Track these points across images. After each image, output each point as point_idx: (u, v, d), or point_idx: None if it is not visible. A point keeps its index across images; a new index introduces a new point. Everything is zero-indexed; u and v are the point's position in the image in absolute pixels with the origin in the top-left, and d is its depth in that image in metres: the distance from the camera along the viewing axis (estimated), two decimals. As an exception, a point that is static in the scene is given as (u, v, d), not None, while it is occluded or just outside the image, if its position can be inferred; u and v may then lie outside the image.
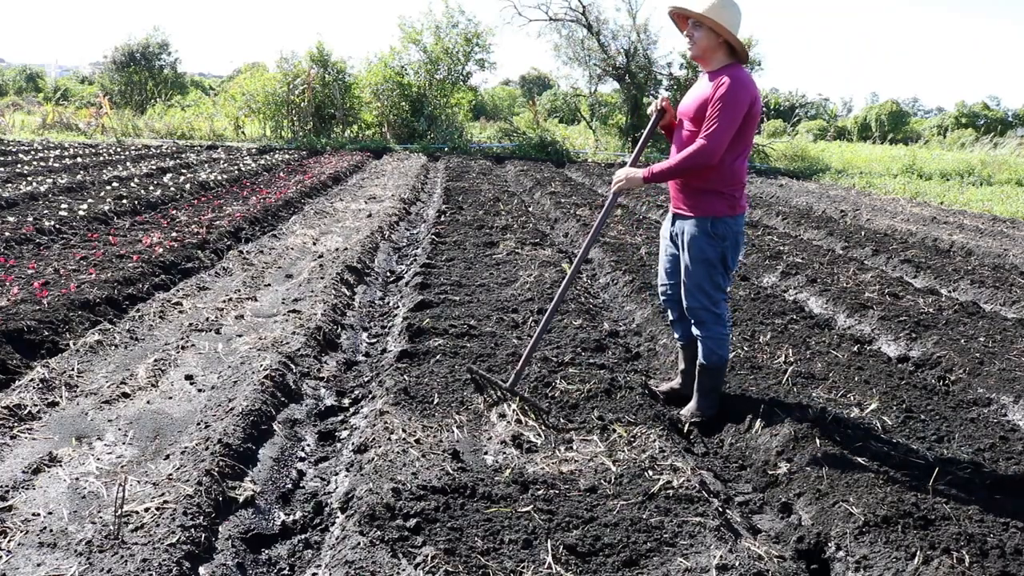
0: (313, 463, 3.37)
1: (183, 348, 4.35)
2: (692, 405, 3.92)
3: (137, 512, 2.59)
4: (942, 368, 4.72)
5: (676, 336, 4.08)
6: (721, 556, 2.48)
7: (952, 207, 15.73)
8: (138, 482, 2.84)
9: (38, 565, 2.34)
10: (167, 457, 3.07)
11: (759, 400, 3.90)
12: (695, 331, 3.78)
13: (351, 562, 2.39)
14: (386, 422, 3.38)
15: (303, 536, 2.77)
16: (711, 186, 3.53)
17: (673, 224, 3.76)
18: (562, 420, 3.57)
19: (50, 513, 2.63)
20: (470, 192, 11.98)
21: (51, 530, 2.52)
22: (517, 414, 3.52)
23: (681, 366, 4.09)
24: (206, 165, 14.72)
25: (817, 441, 3.39)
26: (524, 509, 2.73)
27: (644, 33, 25.40)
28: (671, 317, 4.03)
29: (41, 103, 31.65)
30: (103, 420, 3.39)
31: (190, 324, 4.80)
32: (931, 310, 5.94)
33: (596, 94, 27.72)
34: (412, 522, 2.59)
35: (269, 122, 23.75)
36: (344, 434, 3.63)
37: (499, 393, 3.70)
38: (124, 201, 9.14)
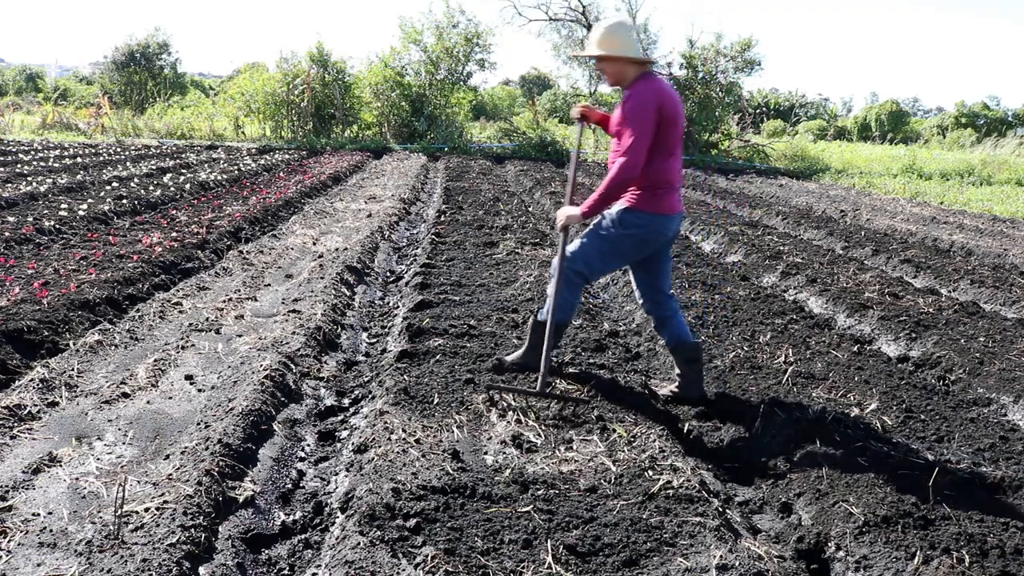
0: (313, 463, 3.37)
1: (183, 348, 4.35)
2: (519, 355, 4.09)
3: (137, 512, 2.59)
4: (942, 368, 4.72)
5: (663, 341, 4.16)
6: (721, 556, 2.48)
7: (952, 207, 15.73)
8: (138, 482, 2.84)
9: (38, 565, 2.34)
10: (167, 457, 3.07)
11: (759, 400, 3.90)
12: (550, 288, 3.88)
13: (351, 562, 2.39)
14: (386, 422, 3.38)
15: (303, 536, 2.77)
16: (634, 184, 3.68)
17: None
18: (561, 420, 3.56)
19: (50, 513, 2.63)
20: (470, 192, 11.98)
21: (51, 530, 2.52)
22: (517, 414, 3.52)
23: (676, 370, 4.10)
24: (206, 165, 14.72)
25: (817, 441, 3.39)
26: (524, 509, 2.73)
27: (644, 33, 25.44)
28: (654, 324, 4.14)
29: (41, 103, 31.66)
30: (103, 420, 3.39)
31: (190, 324, 4.80)
32: (931, 310, 5.94)
33: (596, 94, 27.73)
34: (412, 522, 2.59)
35: (269, 122, 23.75)
36: (344, 434, 3.63)
37: (529, 400, 3.66)
38: (124, 201, 9.14)
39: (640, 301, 4.08)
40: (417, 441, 3.23)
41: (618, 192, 3.64)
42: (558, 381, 3.93)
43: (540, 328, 3.93)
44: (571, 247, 3.85)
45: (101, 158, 14.78)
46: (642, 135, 3.50)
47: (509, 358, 4.11)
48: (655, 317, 4.05)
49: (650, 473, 3.03)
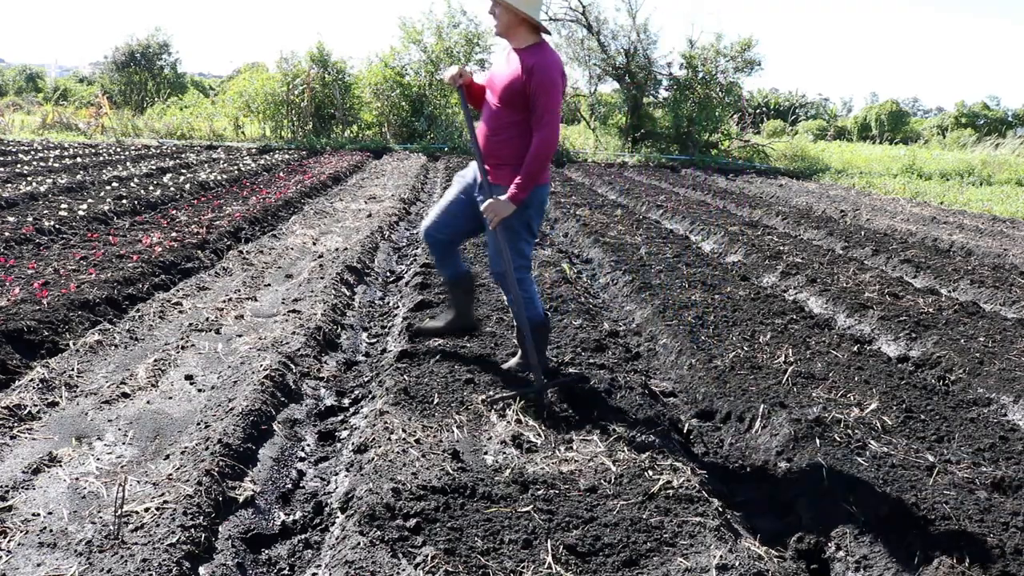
0: (313, 463, 3.37)
1: (183, 348, 4.35)
2: (516, 360, 4.06)
3: (137, 512, 2.59)
4: (942, 368, 4.72)
5: (444, 276, 4.13)
6: (721, 556, 2.48)
7: (952, 207, 15.73)
8: (138, 482, 2.84)
9: (38, 565, 2.34)
10: (167, 457, 3.07)
11: (759, 400, 3.90)
12: (505, 298, 3.89)
13: (351, 562, 2.39)
14: (386, 422, 3.38)
15: (303, 536, 2.77)
16: (519, 160, 3.58)
17: (480, 191, 3.74)
18: (562, 420, 3.56)
19: (50, 513, 2.63)
20: (470, 192, 11.97)
21: (51, 530, 2.52)
22: (517, 414, 3.52)
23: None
24: (206, 165, 14.72)
25: (817, 441, 3.39)
26: (524, 509, 2.73)
27: (644, 33, 25.40)
28: (435, 258, 4.09)
29: (41, 103, 31.65)
30: (103, 420, 3.39)
31: (190, 324, 4.80)
32: (931, 310, 5.94)
33: (596, 94, 27.71)
34: (412, 522, 2.59)
35: (269, 122, 23.75)
36: (344, 434, 3.63)
37: (532, 396, 3.64)
38: (124, 201, 9.14)
39: (439, 236, 3.94)
40: (417, 441, 3.23)
41: (543, 169, 3.56)
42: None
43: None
44: (491, 263, 3.79)
45: (101, 158, 14.77)
46: (558, 107, 3.51)
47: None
48: (443, 250, 3.98)
49: (650, 473, 3.03)
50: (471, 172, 3.86)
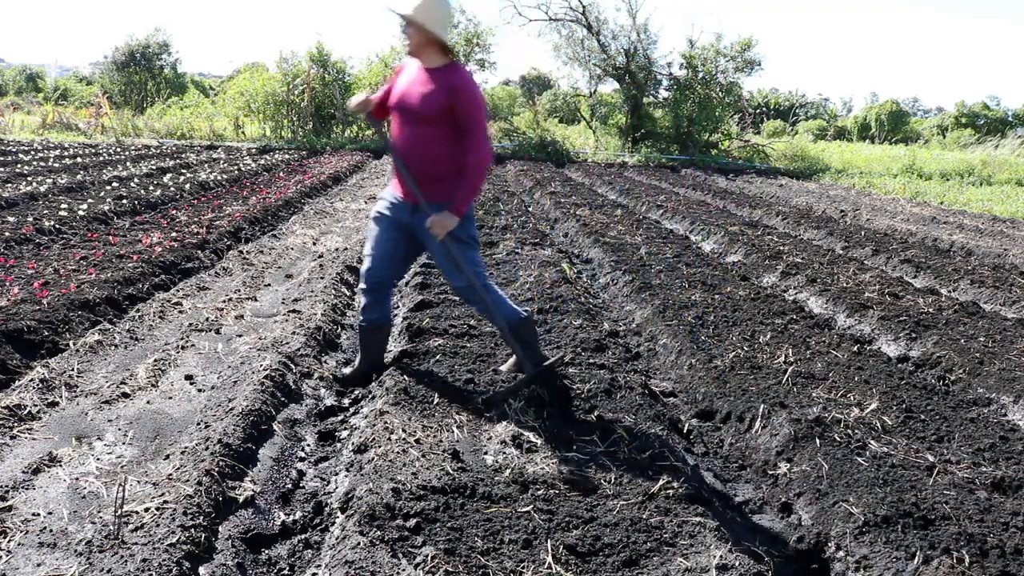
0: (313, 463, 3.37)
1: (183, 348, 4.35)
2: (512, 363, 4.06)
3: (137, 512, 2.59)
4: (942, 368, 4.72)
5: (368, 319, 4.03)
6: (721, 556, 2.48)
7: (952, 207, 15.74)
8: (138, 482, 2.84)
9: (38, 565, 2.34)
10: (167, 457, 3.07)
11: (759, 400, 3.90)
12: (475, 310, 3.88)
13: (351, 562, 2.39)
14: (386, 422, 3.39)
15: (303, 536, 2.77)
16: (454, 173, 3.63)
17: (413, 215, 3.73)
18: (562, 420, 3.56)
19: (50, 513, 2.63)
20: (470, 192, 11.97)
21: (51, 530, 2.52)
22: (517, 414, 3.52)
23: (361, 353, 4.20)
24: (206, 165, 14.72)
25: (817, 441, 3.39)
26: (524, 509, 2.73)
27: (644, 33, 25.41)
28: (366, 301, 4.02)
29: (41, 103, 31.65)
30: (103, 420, 3.39)
31: (190, 324, 4.80)
32: (931, 310, 5.94)
33: (596, 94, 27.72)
34: (412, 522, 2.59)
35: (269, 122, 23.75)
36: (344, 434, 3.63)
37: (532, 382, 3.67)
38: (124, 201, 9.14)
39: (379, 278, 3.92)
40: (417, 441, 3.23)
41: (482, 182, 3.67)
42: (560, 381, 3.92)
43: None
44: (451, 279, 3.77)
45: (101, 158, 14.77)
46: (486, 123, 3.61)
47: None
48: (380, 295, 3.96)
49: (650, 473, 3.03)
50: (387, 199, 3.86)
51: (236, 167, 14.40)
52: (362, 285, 4.01)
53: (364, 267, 3.98)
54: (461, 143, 3.58)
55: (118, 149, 17.65)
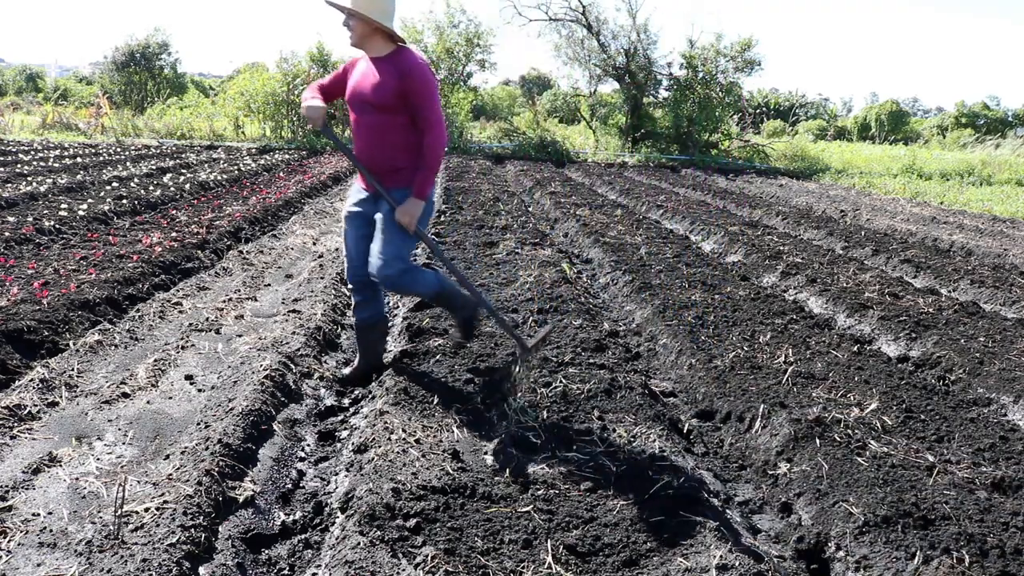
0: (313, 463, 3.37)
1: (183, 348, 4.35)
2: (455, 334, 4.10)
3: (137, 512, 2.59)
4: (942, 368, 4.72)
5: (361, 318, 4.07)
6: (721, 556, 2.48)
7: (952, 207, 15.74)
8: (138, 482, 2.84)
9: (38, 565, 2.34)
10: (167, 457, 3.07)
11: (759, 400, 3.90)
12: (390, 293, 3.89)
13: (351, 562, 2.39)
14: (386, 422, 3.39)
15: (303, 536, 2.77)
16: (413, 159, 3.65)
17: (376, 202, 3.76)
18: (561, 420, 3.56)
19: (50, 513, 2.63)
20: (470, 192, 11.98)
21: (51, 530, 2.53)
22: (517, 414, 3.52)
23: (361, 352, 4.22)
24: (206, 165, 14.72)
25: (817, 441, 3.39)
26: (524, 509, 2.73)
27: (644, 33, 25.41)
28: (356, 300, 4.05)
29: (41, 103, 31.65)
30: (103, 420, 3.39)
31: (190, 324, 4.80)
32: (931, 310, 5.94)
33: (596, 94, 27.72)
34: (412, 522, 2.59)
35: (269, 122, 23.74)
36: (344, 434, 3.63)
37: (523, 363, 3.77)
38: (124, 201, 9.14)
39: (354, 267, 3.93)
40: (417, 441, 3.23)
41: (440, 162, 3.65)
42: (558, 380, 3.93)
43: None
44: (383, 254, 3.67)
45: (101, 158, 14.77)
46: (439, 105, 3.59)
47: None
48: (363, 285, 3.97)
49: (650, 473, 3.03)
50: (355, 195, 3.89)
51: (236, 167, 14.39)
52: (349, 285, 4.03)
53: (345, 268, 4.01)
54: (418, 130, 3.58)
55: (118, 149, 17.64)
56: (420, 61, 3.56)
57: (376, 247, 3.70)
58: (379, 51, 3.59)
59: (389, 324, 4.15)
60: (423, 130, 3.57)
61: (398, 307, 5.74)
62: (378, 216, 3.73)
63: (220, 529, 2.62)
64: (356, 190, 3.90)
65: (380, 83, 3.54)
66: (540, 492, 2.86)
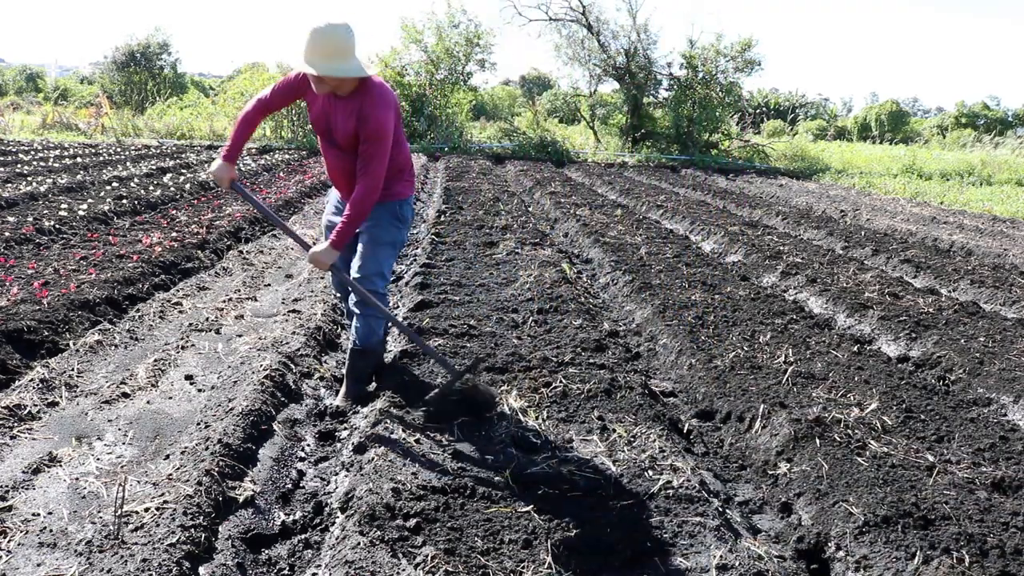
0: (313, 463, 3.37)
1: (183, 348, 4.35)
2: (343, 391, 3.94)
3: (137, 512, 2.59)
4: (942, 368, 4.72)
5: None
6: (721, 556, 2.48)
7: (952, 207, 15.74)
8: (138, 482, 2.84)
9: (38, 565, 2.34)
10: (167, 457, 3.07)
11: (759, 400, 3.90)
12: (356, 312, 3.74)
13: (351, 562, 2.39)
14: (386, 422, 3.38)
15: (303, 536, 2.77)
16: (391, 176, 3.57)
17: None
18: (561, 420, 3.56)
19: (50, 513, 2.63)
20: (470, 192, 11.98)
21: (51, 530, 2.53)
22: (517, 414, 3.52)
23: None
24: (206, 165, 14.71)
25: (817, 441, 3.39)
26: (524, 509, 2.73)
27: (644, 33, 25.42)
28: (345, 308, 3.98)
29: (41, 103, 31.63)
30: (103, 420, 3.39)
31: (190, 324, 4.80)
32: (931, 310, 5.94)
33: (596, 94, 27.72)
34: (412, 522, 2.59)
35: (269, 122, 23.74)
36: (344, 434, 3.63)
37: (461, 383, 3.59)
38: (124, 201, 9.14)
39: (337, 277, 3.87)
40: (417, 441, 3.23)
41: (363, 217, 3.47)
42: (558, 380, 3.92)
43: (368, 355, 3.88)
44: (362, 269, 3.63)
45: (101, 158, 14.77)
46: (385, 154, 3.40)
47: (338, 400, 3.97)
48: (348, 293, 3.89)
49: (650, 473, 3.03)
50: (332, 204, 3.88)
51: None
52: (335, 293, 3.97)
53: (329, 278, 3.95)
54: (393, 153, 3.47)
55: (118, 149, 17.64)
56: (378, 104, 3.36)
57: (357, 261, 3.68)
58: (348, 89, 3.41)
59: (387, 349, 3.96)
60: (359, 173, 3.40)
61: (398, 307, 5.75)
62: (359, 231, 3.66)
63: (220, 529, 2.62)
64: (334, 197, 3.85)
65: (342, 125, 3.43)
66: (540, 492, 2.86)
